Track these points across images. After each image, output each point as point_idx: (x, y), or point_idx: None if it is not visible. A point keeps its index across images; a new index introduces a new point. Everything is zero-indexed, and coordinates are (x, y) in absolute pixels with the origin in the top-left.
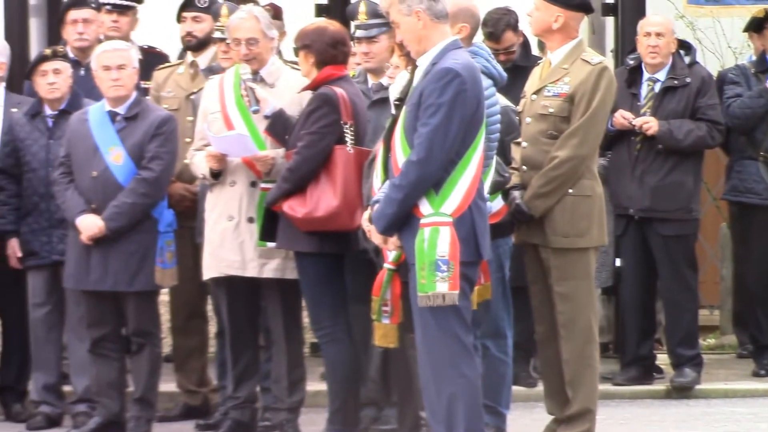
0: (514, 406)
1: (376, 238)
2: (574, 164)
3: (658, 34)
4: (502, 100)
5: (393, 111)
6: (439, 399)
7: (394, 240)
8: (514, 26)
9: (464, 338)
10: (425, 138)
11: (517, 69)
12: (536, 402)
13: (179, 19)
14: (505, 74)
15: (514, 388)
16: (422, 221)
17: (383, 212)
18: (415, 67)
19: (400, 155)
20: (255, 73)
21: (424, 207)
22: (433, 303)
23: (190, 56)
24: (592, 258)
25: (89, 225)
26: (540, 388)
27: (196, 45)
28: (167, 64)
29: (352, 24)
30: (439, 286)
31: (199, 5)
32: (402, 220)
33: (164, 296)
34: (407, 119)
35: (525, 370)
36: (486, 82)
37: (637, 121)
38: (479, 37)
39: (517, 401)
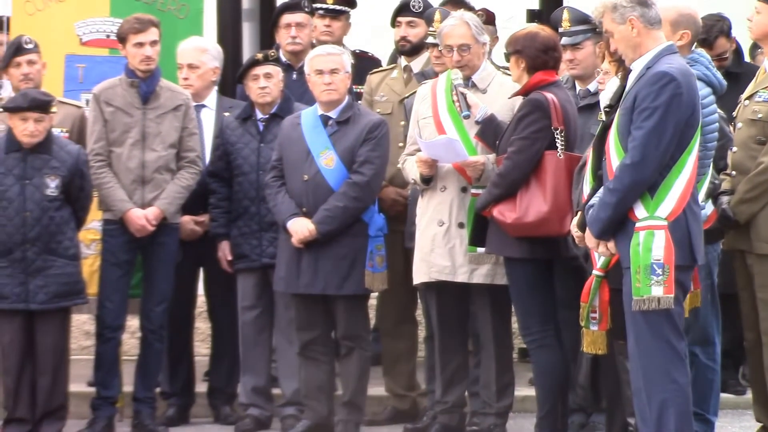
0: (722, 414)
1: (590, 242)
2: None
3: None
4: None
5: (603, 117)
6: (650, 405)
7: (609, 245)
8: (726, 33)
9: (676, 344)
10: (640, 141)
11: (729, 76)
12: (745, 410)
13: (394, 23)
14: (724, 82)
15: (723, 395)
16: (637, 225)
17: (598, 216)
18: (626, 72)
19: (615, 160)
20: (467, 78)
21: (639, 210)
22: (648, 307)
23: (403, 60)
24: None
25: (300, 228)
26: (749, 395)
27: (410, 50)
28: (381, 68)
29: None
30: (654, 289)
31: (414, 10)
32: (617, 224)
33: (372, 300)
34: (621, 123)
35: (734, 378)
36: (705, 89)
37: None
38: None
39: (726, 408)
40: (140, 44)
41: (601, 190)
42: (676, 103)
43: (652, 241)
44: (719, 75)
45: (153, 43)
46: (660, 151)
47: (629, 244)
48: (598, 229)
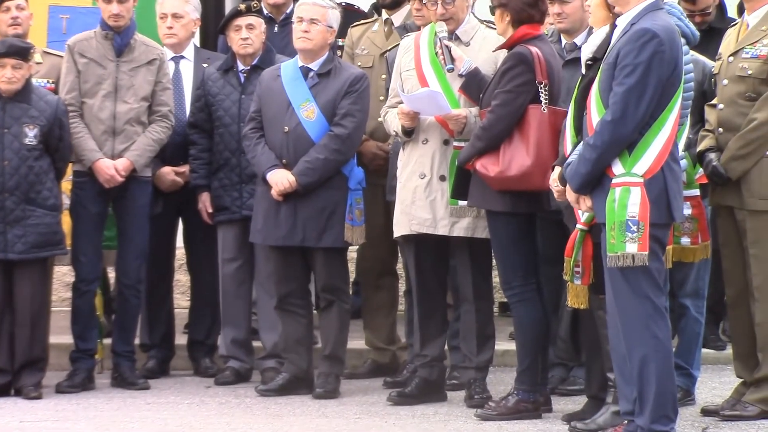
0: (702, 369)
1: (570, 196)
2: None
3: None
4: (700, 57)
5: (583, 71)
6: (631, 360)
7: (586, 200)
8: None
9: (656, 300)
10: (620, 98)
11: (712, 31)
12: (725, 365)
13: None
14: (697, 33)
15: (703, 350)
16: (613, 181)
17: (577, 171)
18: (613, 27)
19: (596, 115)
20: (451, 32)
21: (616, 167)
22: (622, 263)
23: (384, 14)
24: None
25: (280, 180)
26: (728, 351)
27: (391, 3)
28: (362, 22)
29: None
30: (628, 246)
31: None
32: (595, 180)
33: (352, 253)
34: (603, 79)
35: (714, 333)
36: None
37: None
38: None
39: (706, 364)
40: (108, 0)
41: (581, 144)
42: (657, 61)
43: (627, 198)
44: (692, 26)
45: (121, 0)
46: (640, 109)
47: (605, 201)
48: (577, 183)
